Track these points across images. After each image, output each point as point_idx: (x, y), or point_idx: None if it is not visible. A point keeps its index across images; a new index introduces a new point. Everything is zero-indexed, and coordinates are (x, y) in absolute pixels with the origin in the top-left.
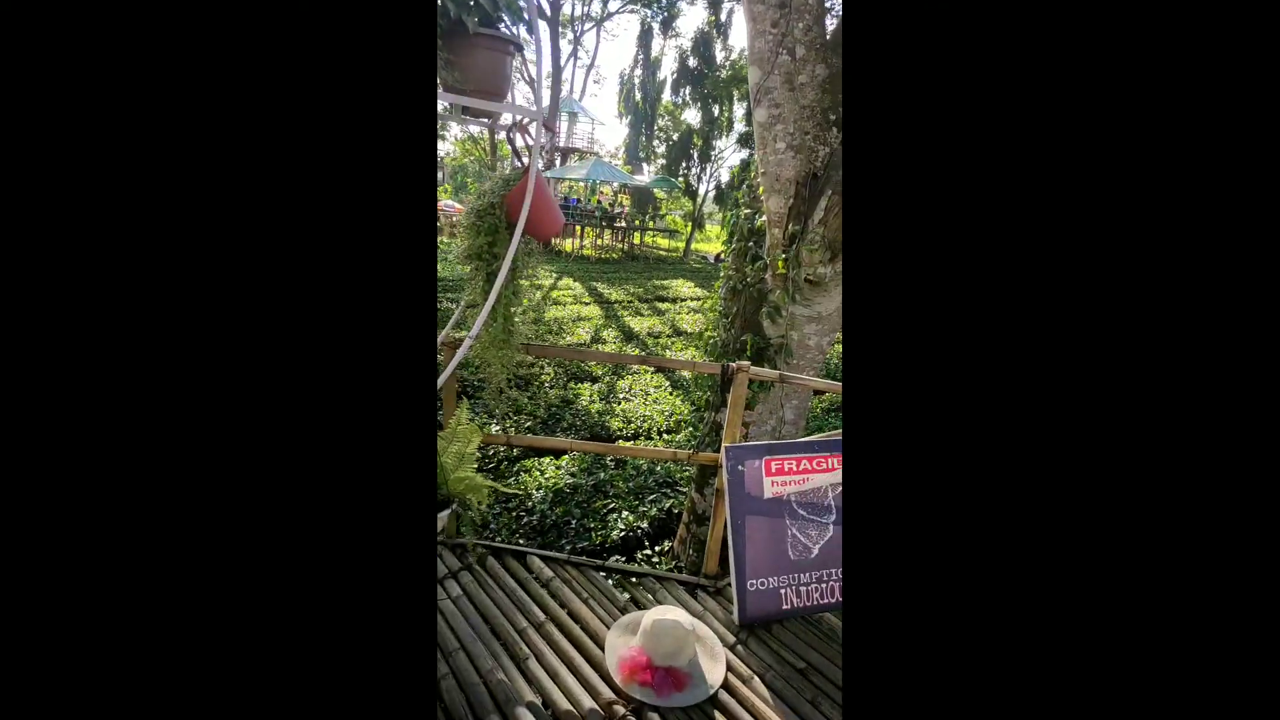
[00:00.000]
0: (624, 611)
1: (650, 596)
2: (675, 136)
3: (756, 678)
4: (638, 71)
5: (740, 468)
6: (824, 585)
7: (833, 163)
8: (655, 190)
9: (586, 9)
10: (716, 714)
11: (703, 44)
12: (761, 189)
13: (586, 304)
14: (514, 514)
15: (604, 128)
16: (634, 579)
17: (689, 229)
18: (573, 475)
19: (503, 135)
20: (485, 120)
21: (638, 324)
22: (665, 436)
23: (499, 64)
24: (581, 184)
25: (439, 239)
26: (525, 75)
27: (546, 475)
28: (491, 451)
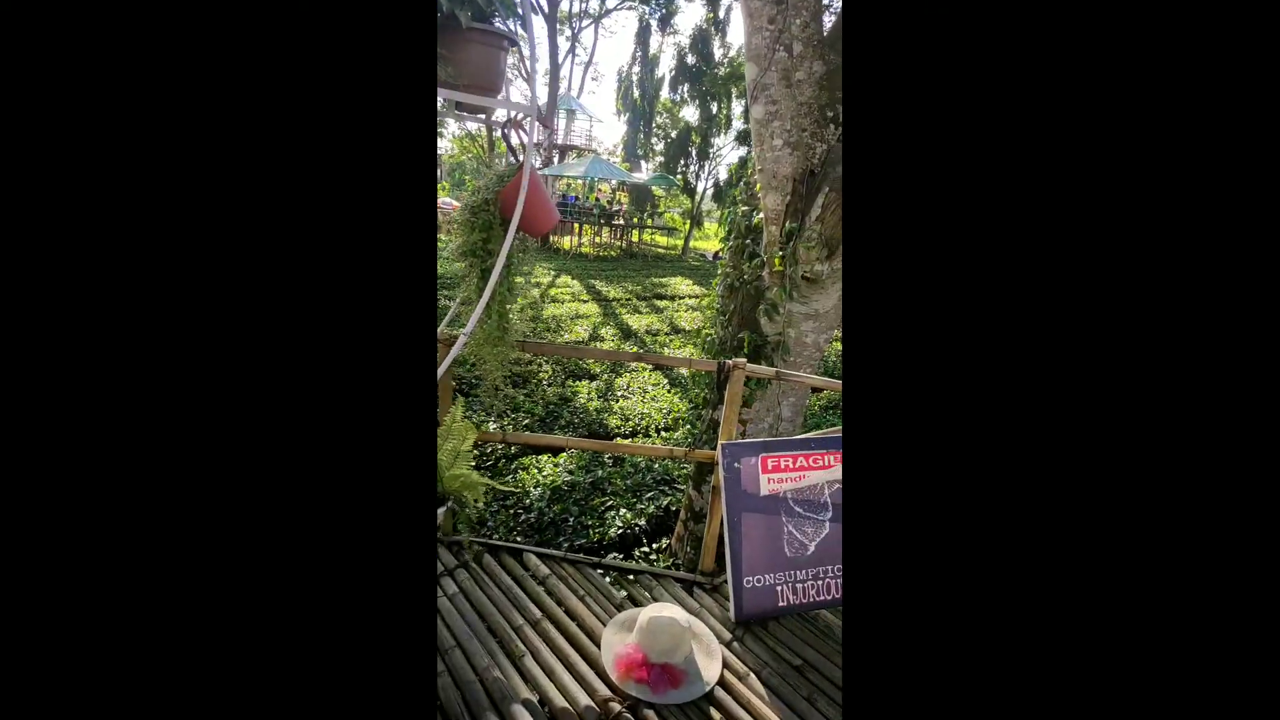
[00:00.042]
0: (620, 609)
1: (647, 594)
2: (673, 134)
3: (752, 675)
4: (636, 68)
5: (737, 465)
6: (820, 582)
7: (830, 160)
8: (653, 188)
9: (584, 6)
10: (712, 711)
11: (701, 41)
12: (759, 186)
13: (584, 301)
14: (511, 511)
15: (602, 125)
16: (630, 576)
17: (687, 226)
18: (570, 473)
19: (499, 132)
20: (482, 117)
21: (636, 321)
22: (663, 434)
23: (493, 59)
24: (579, 181)
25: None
26: (522, 71)
27: (544, 473)
28: (489, 449)
